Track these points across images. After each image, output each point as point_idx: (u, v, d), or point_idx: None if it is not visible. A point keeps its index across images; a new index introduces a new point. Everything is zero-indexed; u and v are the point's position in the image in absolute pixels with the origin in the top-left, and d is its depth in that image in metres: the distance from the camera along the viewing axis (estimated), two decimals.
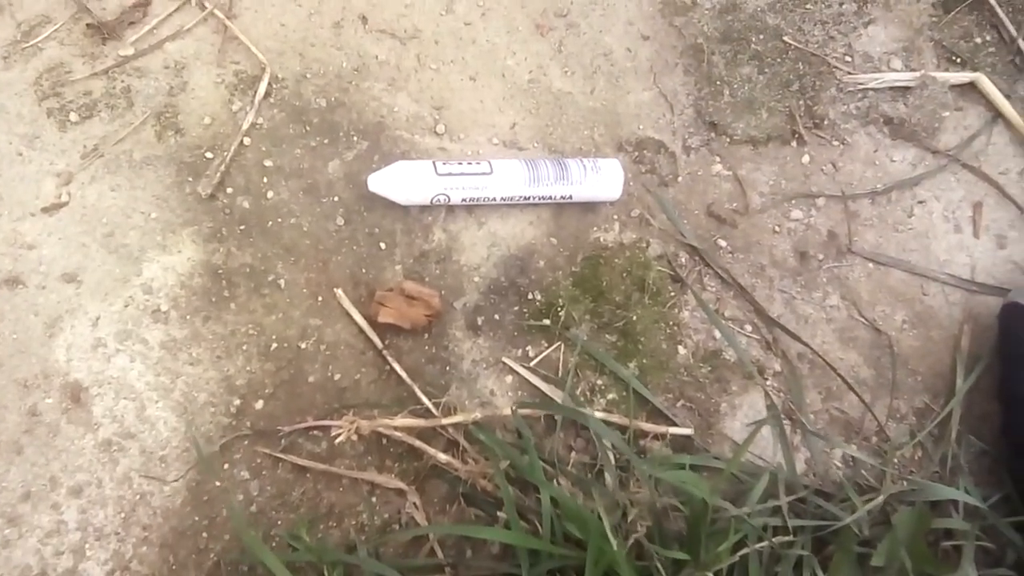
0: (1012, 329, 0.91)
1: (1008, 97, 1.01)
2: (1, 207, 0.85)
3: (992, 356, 0.94)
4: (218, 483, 0.81)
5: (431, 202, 0.87)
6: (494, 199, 0.88)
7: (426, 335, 0.88)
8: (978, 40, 1.04)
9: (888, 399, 0.93)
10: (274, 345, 0.85)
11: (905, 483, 0.89)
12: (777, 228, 0.97)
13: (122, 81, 0.90)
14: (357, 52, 0.95)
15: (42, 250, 0.84)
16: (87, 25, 0.91)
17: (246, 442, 0.82)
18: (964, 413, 0.93)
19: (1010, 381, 0.91)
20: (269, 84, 0.92)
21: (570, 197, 0.90)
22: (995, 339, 0.94)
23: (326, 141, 0.92)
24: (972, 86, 1.02)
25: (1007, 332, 0.92)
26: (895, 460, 0.91)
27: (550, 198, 0.90)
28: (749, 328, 0.94)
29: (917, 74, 1.00)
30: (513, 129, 0.96)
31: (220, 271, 0.86)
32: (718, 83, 0.99)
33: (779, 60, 1.01)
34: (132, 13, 0.92)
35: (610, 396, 0.89)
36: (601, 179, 0.90)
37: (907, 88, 1.01)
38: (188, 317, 0.84)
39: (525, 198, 0.89)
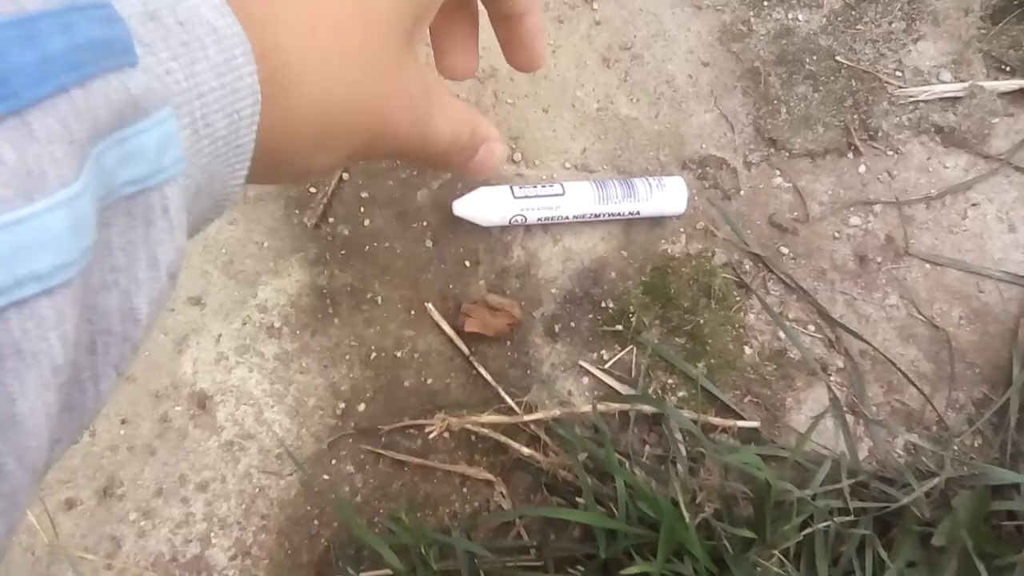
0: None
1: None
2: None
3: None
4: (326, 477, 0.91)
5: (509, 223, 0.96)
6: (567, 217, 0.97)
7: (508, 342, 0.97)
8: None
9: (947, 391, 0.98)
10: (373, 354, 0.95)
11: (965, 468, 0.93)
12: (837, 234, 1.03)
13: None
14: None
15: None
16: None
17: (350, 440, 0.92)
18: (1023, 401, 0.97)
19: None
20: None
21: (637, 213, 0.98)
22: None
23: (415, 173, 1.02)
24: (1021, 92, 1.07)
25: None
26: (955, 447, 0.95)
27: (619, 215, 0.98)
28: (812, 328, 1.00)
29: (966, 84, 1.06)
30: (584, 154, 1.05)
31: (325, 291, 0.97)
32: (775, 102, 1.07)
33: (833, 78, 1.07)
34: None
35: (680, 394, 0.96)
36: (666, 195, 0.97)
37: (957, 98, 1.06)
38: (298, 332, 0.95)
39: (595, 215, 0.97)
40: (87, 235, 0.26)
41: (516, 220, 0.96)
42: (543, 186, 0.97)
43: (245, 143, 0.29)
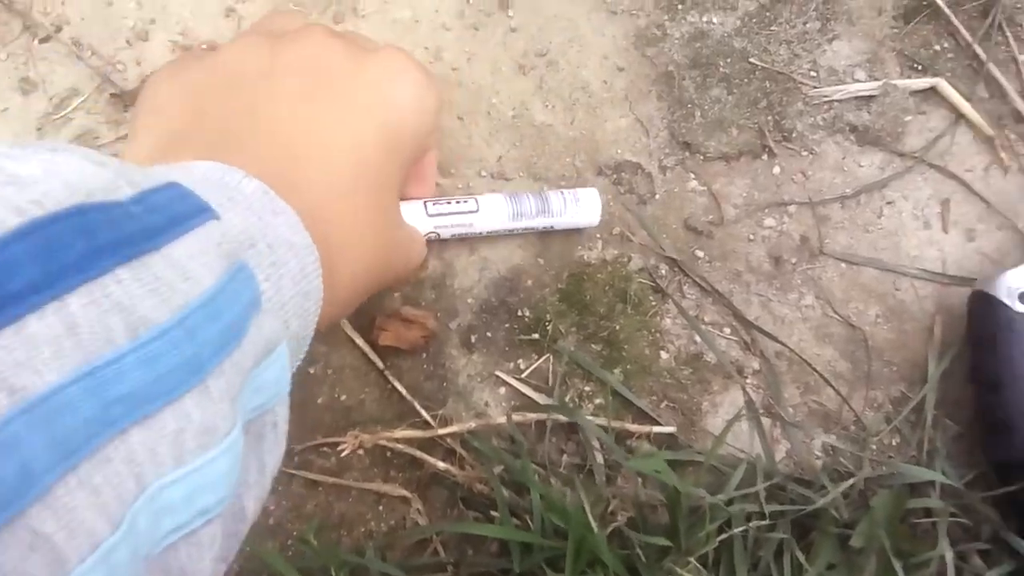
0: (979, 315, 0.96)
1: (968, 99, 1.07)
2: None
3: (963, 343, 0.99)
4: None
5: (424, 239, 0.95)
6: (480, 233, 0.96)
7: (424, 355, 0.96)
8: (937, 47, 1.09)
9: (865, 390, 0.99)
10: None
11: (884, 467, 0.94)
12: (751, 236, 1.03)
13: None
14: None
15: None
16: (111, 95, 1.02)
17: None
18: (940, 399, 0.98)
19: (980, 364, 0.96)
20: None
21: (552, 227, 0.97)
22: (965, 327, 0.99)
23: None
24: (933, 91, 1.07)
25: (975, 318, 0.97)
26: (872, 446, 0.96)
27: (533, 229, 0.97)
28: (728, 331, 1.00)
29: (879, 83, 1.06)
30: (500, 162, 1.04)
31: None
32: (689, 106, 1.06)
33: (747, 80, 1.07)
34: None
35: (597, 401, 0.96)
36: (580, 208, 0.97)
37: (871, 97, 1.07)
38: None
39: (509, 231, 0.96)
40: (238, 470, 0.30)
41: (430, 237, 0.95)
42: (457, 201, 0.96)
43: (311, 325, 0.37)
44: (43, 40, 1.04)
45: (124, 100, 1.02)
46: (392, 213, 0.45)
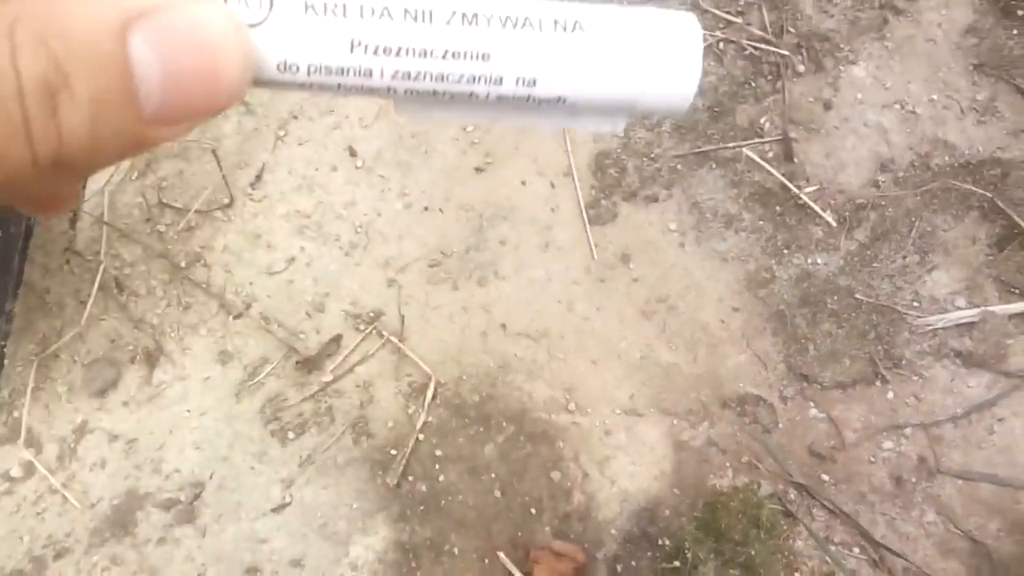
0: None
1: None
2: (240, 511, 1.11)
3: None
4: None
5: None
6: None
7: None
8: None
9: None
10: None
11: None
12: (872, 459, 1.12)
13: (325, 402, 1.17)
14: (500, 353, 1.19)
15: (274, 543, 1.09)
16: (296, 361, 1.19)
17: None
18: None
19: None
20: (435, 389, 1.17)
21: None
22: None
23: (482, 429, 1.15)
24: None
25: None
26: None
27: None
28: (857, 550, 1.07)
29: (978, 310, 1.16)
30: (631, 399, 1.16)
31: (407, 546, 1.08)
32: (803, 340, 1.17)
33: (854, 314, 1.18)
34: (329, 347, 1.20)
35: None
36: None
37: (972, 323, 1.16)
38: None
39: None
40: None
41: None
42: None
43: None
44: (236, 316, 1.23)
45: (308, 365, 1.19)
46: None
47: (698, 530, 1.09)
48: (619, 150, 1.30)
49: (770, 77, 1.35)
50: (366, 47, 0.22)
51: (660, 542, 1.08)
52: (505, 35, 0.23)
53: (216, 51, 0.20)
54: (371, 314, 1.22)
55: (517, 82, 0.23)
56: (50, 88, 0.18)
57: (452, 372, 1.18)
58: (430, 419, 1.16)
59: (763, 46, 1.37)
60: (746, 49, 1.37)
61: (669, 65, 0.24)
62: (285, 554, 1.09)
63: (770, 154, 1.29)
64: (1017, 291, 1.18)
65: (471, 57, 0.23)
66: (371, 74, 0.23)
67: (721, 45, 1.39)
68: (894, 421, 1.13)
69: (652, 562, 1.07)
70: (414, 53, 0.22)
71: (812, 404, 1.15)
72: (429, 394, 1.16)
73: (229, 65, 0.20)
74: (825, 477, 1.11)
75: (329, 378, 1.18)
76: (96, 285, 1.25)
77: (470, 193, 1.28)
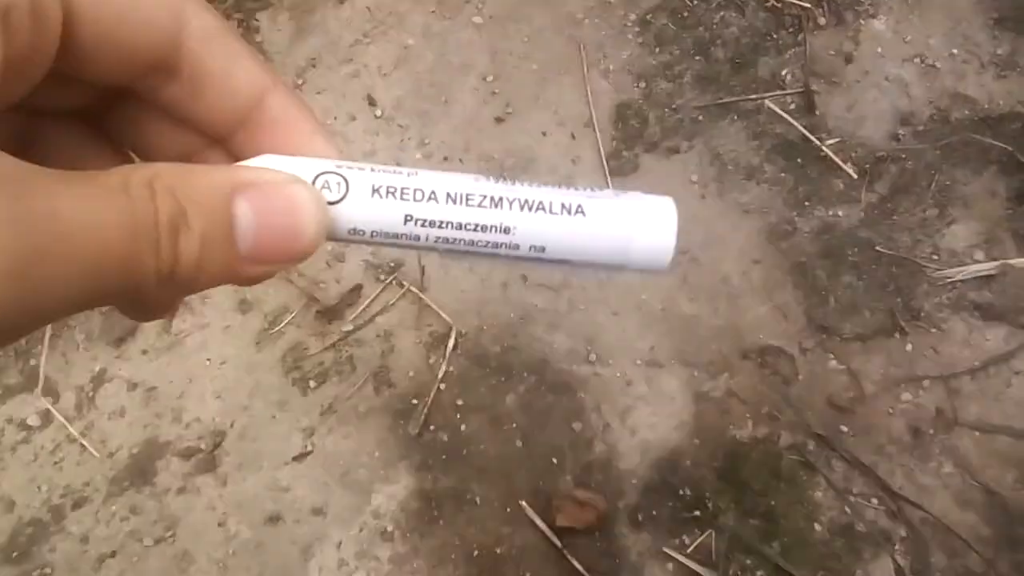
0: None
1: None
2: (262, 460, 1.12)
3: None
4: None
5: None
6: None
7: (597, 533, 1.07)
8: None
9: (1010, 554, 1.05)
10: (476, 552, 1.06)
11: None
12: (891, 410, 1.12)
13: (346, 351, 1.17)
14: (521, 304, 1.19)
15: (296, 491, 1.10)
16: (316, 311, 1.19)
17: None
18: None
19: None
20: (455, 339, 1.17)
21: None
22: None
23: (503, 379, 1.15)
24: None
25: None
26: None
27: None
28: (875, 501, 1.08)
29: (997, 263, 1.16)
30: (652, 351, 1.16)
31: (429, 494, 1.09)
32: (823, 292, 1.18)
33: (874, 267, 1.18)
34: (349, 296, 1.20)
35: (759, 573, 1.05)
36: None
37: (991, 276, 1.16)
38: (408, 535, 1.07)
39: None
40: None
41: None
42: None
43: None
44: None
45: (328, 315, 1.19)
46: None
47: (719, 480, 1.09)
48: (641, 101, 1.29)
49: (791, 29, 1.34)
50: (416, 220, 0.30)
51: (681, 492, 1.09)
52: (523, 216, 0.30)
53: (298, 215, 0.27)
54: (391, 265, 1.21)
55: (530, 249, 0.31)
56: (174, 223, 0.24)
57: (473, 322, 1.18)
58: (451, 369, 1.16)
59: None
60: (768, 1, 1.36)
61: (649, 239, 0.31)
62: (307, 502, 1.09)
63: (792, 106, 1.28)
64: None
65: (495, 231, 0.30)
66: (419, 239, 0.30)
67: None
68: (912, 373, 1.14)
69: (673, 511, 1.08)
70: (452, 226, 0.30)
71: (832, 356, 1.16)
72: (450, 344, 1.16)
73: (307, 227, 0.27)
74: (844, 428, 1.12)
75: (350, 327, 1.18)
76: None
77: (490, 143, 1.27)
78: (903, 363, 1.15)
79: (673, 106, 1.28)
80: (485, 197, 0.31)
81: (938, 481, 1.09)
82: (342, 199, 0.29)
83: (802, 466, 1.10)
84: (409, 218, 0.30)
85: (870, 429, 1.12)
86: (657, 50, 1.33)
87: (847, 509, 1.08)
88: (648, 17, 1.36)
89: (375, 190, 0.30)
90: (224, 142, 0.31)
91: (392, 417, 1.13)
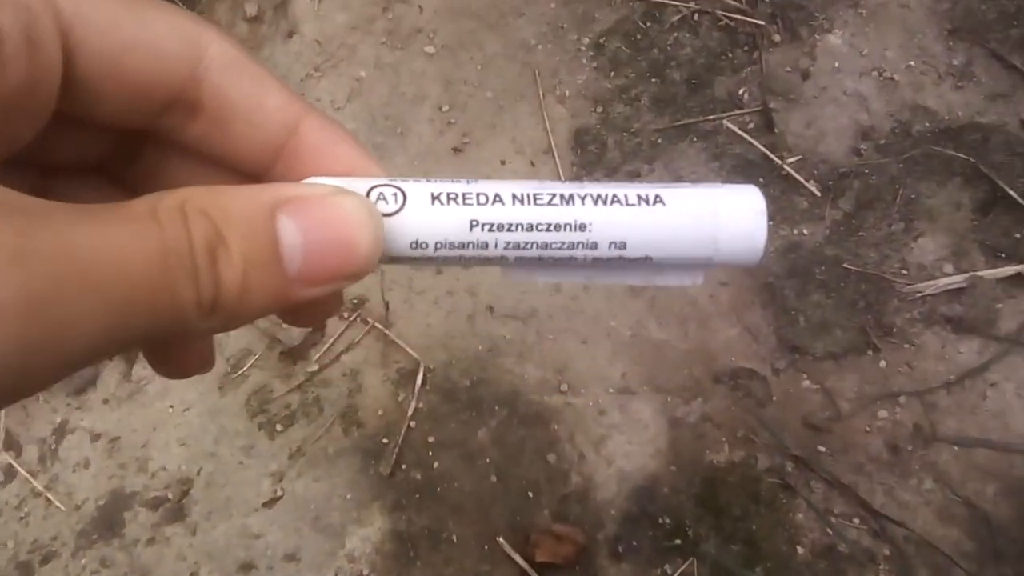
0: None
1: None
2: (231, 507, 1.09)
3: None
4: None
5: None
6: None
7: (577, 567, 1.05)
8: (1017, 235, 1.19)
9: (994, 567, 1.04)
10: None
11: None
12: (868, 428, 1.12)
13: (312, 392, 1.14)
14: (489, 336, 1.17)
15: (267, 538, 1.07)
16: (280, 352, 1.17)
17: None
18: None
19: None
20: (424, 375, 1.15)
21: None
22: None
23: (474, 414, 1.13)
24: (1020, 276, 1.16)
25: None
26: None
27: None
28: (857, 521, 1.07)
29: (966, 275, 1.16)
30: (624, 378, 1.15)
31: (404, 535, 1.06)
32: (793, 312, 1.17)
33: (843, 284, 1.18)
34: (313, 336, 1.18)
35: None
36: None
37: (961, 289, 1.16)
38: None
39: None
40: None
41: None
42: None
43: None
44: None
45: (292, 355, 1.16)
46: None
47: (698, 507, 1.08)
48: (598, 125, 1.29)
49: (746, 48, 1.34)
50: (483, 225, 0.27)
51: (660, 520, 1.07)
52: (598, 210, 0.28)
53: (350, 228, 0.24)
54: (354, 301, 1.19)
55: (610, 246, 0.28)
56: (211, 246, 0.22)
57: (440, 357, 1.16)
58: (421, 405, 1.14)
59: (738, 16, 1.36)
60: (721, 20, 1.36)
61: (738, 226, 0.28)
62: (279, 548, 1.07)
63: (751, 125, 1.28)
64: (1003, 255, 1.18)
65: (570, 228, 0.28)
66: (487, 246, 0.27)
67: (696, 16, 1.37)
68: (888, 390, 1.13)
69: (653, 541, 1.06)
70: (522, 227, 0.27)
71: (805, 376, 1.15)
72: (419, 380, 1.14)
73: (362, 239, 0.24)
74: (822, 448, 1.11)
75: (315, 368, 1.16)
76: None
77: (448, 174, 1.25)
78: (878, 380, 1.14)
79: (631, 130, 1.28)
80: (554, 195, 0.28)
81: (919, 498, 1.08)
82: (399, 210, 0.27)
83: (781, 488, 1.09)
84: (475, 223, 0.27)
85: (848, 448, 1.11)
86: (612, 74, 1.32)
87: (829, 530, 1.07)
88: (601, 41, 1.35)
89: (435, 198, 0.27)
90: (260, 179, 0.28)
91: (362, 458, 1.11)
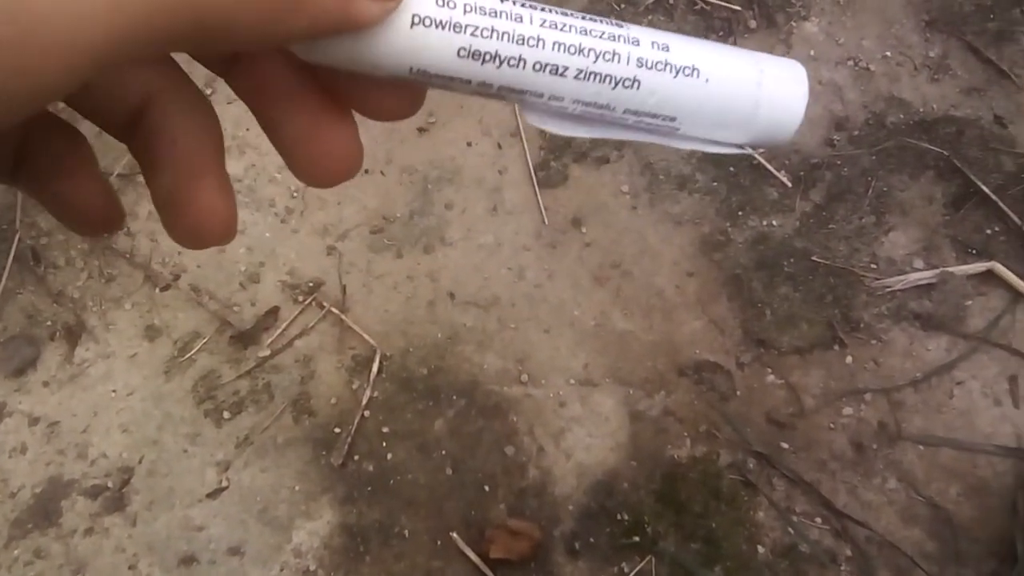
0: None
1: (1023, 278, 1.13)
2: (174, 497, 1.05)
3: None
4: None
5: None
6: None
7: (532, 563, 1.02)
8: (988, 231, 1.16)
9: (955, 568, 1.02)
10: None
11: None
12: (832, 425, 1.09)
13: (263, 379, 1.10)
14: (448, 323, 1.14)
15: (211, 530, 1.03)
16: (230, 336, 1.12)
17: None
18: None
19: None
20: (380, 362, 1.11)
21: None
22: None
23: (431, 403, 1.09)
24: (990, 273, 1.14)
25: None
26: None
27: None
28: (819, 520, 1.05)
29: (937, 271, 1.13)
30: (586, 369, 1.12)
31: (354, 529, 1.03)
32: (759, 305, 1.14)
33: (811, 277, 1.15)
34: (265, 320, 1.13)
35: None
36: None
37: (931, 284, 1.13)
38: (332, 574, 1.01)
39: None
40: None
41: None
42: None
43: None
44: (163, 288, 1.15)
45: (243, 340, 1.12)
46: None
47: (657, 503, 1.05)
48: None
49: (721, 33, 1.30)
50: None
51: (619, 516, 1.04)
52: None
53: None
54: (310, 284, 1.15)
55: (652, 45, 0.25)
56: None
57: (398, 344, 1.12)
58: (376, 394, 1.10)
59: (713, 1, 1.33)
60: (696, 3, 1.33)
61: (780, 93, 0.26)
62: (223, 542, 1.02)
63: None
64: (974, 251, 1.16)
65: (607, 24, 0.25)
66: (521, 19, 0.23)
67: (671, 0, 1.34)
68: (853, 386, 1.11)
69: (611, 538, 1.03)
70: (556, 25, 0.24)
71: (770, 370, 1.12)
72: (374, 368, 1.10)
73: None
74: (785, 445, 1.08)
75: (266, 353, 1.11)
76: (11, 256, 1.16)
77: (413, 155, 1.21)
78: (843, 376, 1.12)
79: None
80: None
81: (882, 497, 1.06)
82: None
83: (743, 486, 1.06)
84: None
85: (811, 445, 1.08)
86: None
87: (790, 529, 1.04)
88: None
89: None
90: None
91: (313, 448, 1.07)
